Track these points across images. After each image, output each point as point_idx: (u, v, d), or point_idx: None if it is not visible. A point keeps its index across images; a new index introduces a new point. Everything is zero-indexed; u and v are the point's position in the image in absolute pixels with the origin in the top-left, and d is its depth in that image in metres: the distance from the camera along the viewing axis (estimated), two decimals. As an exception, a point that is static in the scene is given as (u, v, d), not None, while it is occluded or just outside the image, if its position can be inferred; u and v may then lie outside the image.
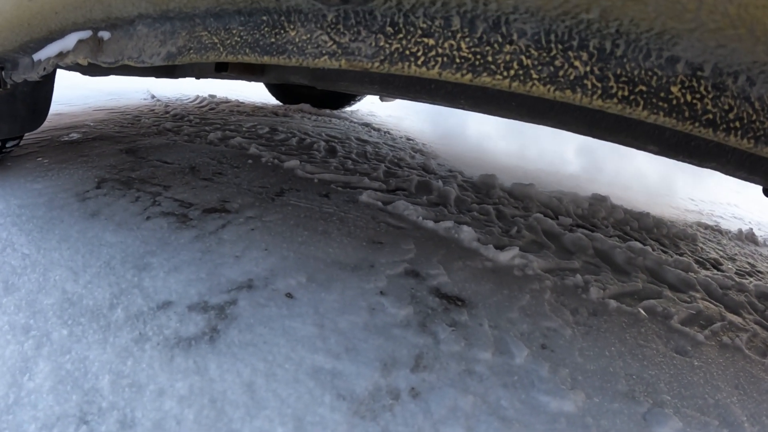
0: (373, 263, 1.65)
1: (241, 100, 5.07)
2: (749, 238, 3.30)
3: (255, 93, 5.72)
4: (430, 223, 2.04)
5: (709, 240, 2.99)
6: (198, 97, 4.85)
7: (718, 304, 1.93)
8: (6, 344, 1.16)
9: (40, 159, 2.38)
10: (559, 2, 0.59)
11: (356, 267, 1.61)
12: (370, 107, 5.73)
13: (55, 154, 2.48)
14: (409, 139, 4.15)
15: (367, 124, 4.57)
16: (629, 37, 0.61)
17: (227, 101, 4.86)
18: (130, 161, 2.43)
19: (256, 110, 4.51)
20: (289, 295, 1.41)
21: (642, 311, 1.68)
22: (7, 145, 2.26)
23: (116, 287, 1.39)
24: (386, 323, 1.36)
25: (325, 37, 0.76)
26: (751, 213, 4.38)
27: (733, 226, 3.56)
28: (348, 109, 5.44)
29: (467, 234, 1.95)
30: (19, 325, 1.22)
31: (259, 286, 1.44)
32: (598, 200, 2.93)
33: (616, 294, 1.78)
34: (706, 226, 3.37)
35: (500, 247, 1.91)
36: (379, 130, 4.39)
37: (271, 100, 5.46)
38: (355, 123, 4.55)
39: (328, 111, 5.06)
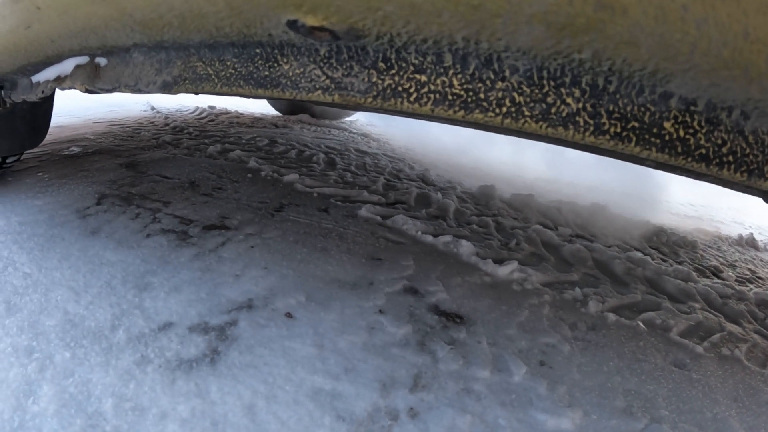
0: (372, 281, 1.65)
1: (240, 112, 5.08)
2: (749, 243, 3.30)
3: (254, 104, 5.73)
4: (429, 238, 2.05)
5: (709, 246, 3.00)
6: (198, 108, 4.86)
7: (717, 314, 1.93)
8: (10, 367, 1.16)
9: (40, 174, 2.39)
10: (550, 43, 0.60)
11: (355, 285, 1.62)
12: (369, 117, 5.73)
13: (56, 169, 2.48)
14: (408, 149, 4.15)
15: (366, 135, 4.57)
16: (622, 74, 0.62)
17: (227, 112, 4.88)
18: (130, 176, 2.44)
19: (256, 121, 4.52)
20: (289, 315, 1.42)
21: (641, 324, 1.68)
22: (7, 161, 2.28)
23: (117, 308, 1.40)
24: (385, 342, 1.37)
25: (318, 72, 0.77)
26: (751, 217, 4.38)
27: (733, 231, 3.56)
28: (347, 119, 5.45)
29: (466, 248, 1.96)
30: (22, 347, 1.23)
31: (258, 306, 1.45)
32: (598, 209, 2.93)
33: (615, 307, 1.78)
34: (706, 233, 3.37)
35: (499, 261, 1.92)
36: (378, 140, 4.40)
37: (270, 110, 5.47)
38: (354, 133, 4.56)
39: (327, 122, 5.07)
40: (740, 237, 3.35)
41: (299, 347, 1.30)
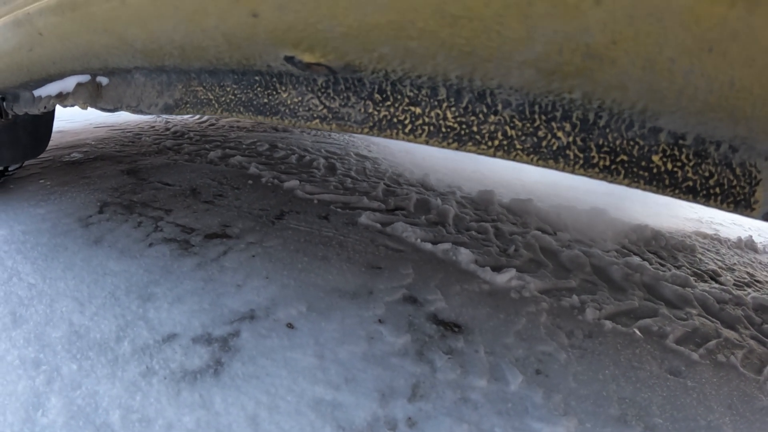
0: (371, 290, 1.68)
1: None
2: (749, 245, 3.30)
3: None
4: (428, 246, 2.07)
5: (708, 250, 3.01)
6: (198, 111, 4.87)
7: (714, 320, 1.94)
8: (18, 379, 1.19)
9: (42, 181, 2.41)
10: (541, 84, 0.62)
11: (355, 294, 1.64)
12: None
13: (58, 176, 2.50)
14: (408, 153, 4.16)
15: (366, 138, 4.58)
16: (612, 111, 0.64)
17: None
18: (131, 183, 2.46)
19: (256, 125, 4.54)
20: (290, 326, 1.44)
21: (637, 331, 1.70)
22: (9, 169, 2.30)
23: (122, 319, 1.42)
24: (384, 352, 1.39)
25: (316, 101, 0.79)
26: (751, 219, 4.36)
27: (732, 234, 3.56)
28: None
29: (465, 256, 1.98)
30: (30, 359, 1.25)
31: (260, 317, 1.47)
32: (597, 213, 2.95)
33: (612, 314, 1.80)
34: (705, 235, 3.38)
35: (498, 268, 1.94)
36: (378, 143, 4.41)
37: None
38: (354, 137, 4.57)
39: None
40: (739, 239, 3.36)
41: (300, 358, 1.33)
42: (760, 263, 3.01)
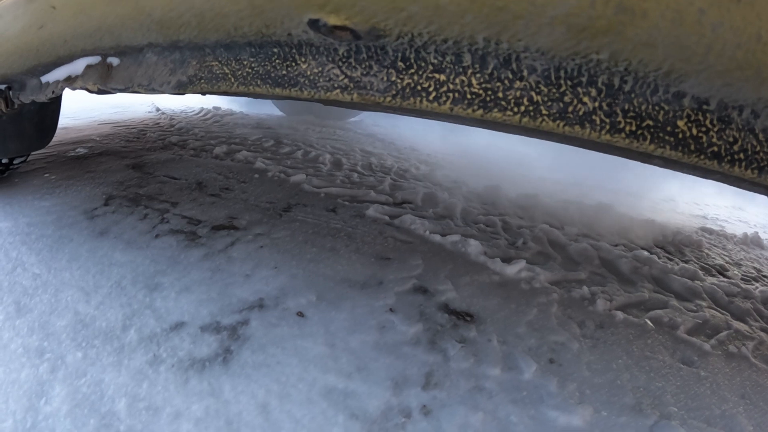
0: (381, 280, 1.66)
1: (245, 113, 5.09)
2: (755, 241, 3.30)
3: (258, 105, 5.75)
4: (437, 237, 2.06)
5: (715, 245, 2.99)
6: (203, 109, 4.88)
7: (724, 312, 1.93)
8: (21, 367, 1.17)
9: (47, 175, 2.40)
10: (570, 44, 0.61)
11: (365, 284, 1.63)
12: (374, 118, 5.74)
13: (62, 170, 2.50)
14: (413, 149, 4.16)
15: (371, 135, 4.58)
16: (637, 74, 0.63)
17: (231, 113, 4.89)
18: (136, 177, 2.45)
19: (261, 122, 4.53)
20: (300, 314, 1.43)
21: (648, 322, 1.69)
22: (14, 162, 2.28)
23: (128, 308, 1.41)
24: (396, 341, 1.37)
25: (337, 71, 0.78)
26: (756, 216, 4.37)
27: (738, 230, 3.55)
28: (352, 120, 5.46)
29: (474, 247, 1.97)
30: (33, 347, 1.24)
31: (270, 306, 1.45)
32: (604, 208, 2.94)
33: (622, 305, 1.78)
34: (712, 231, 3.37)
35: (507, 260, 1.92)
36: (383, 140, 4.40)
37: (275, 111, 5.48)
38: (359, 134, 4.57)
39: (332, 122, 5.08)
40: (745, 236, 3.35)
41: (311, 346, 1.31)
42: (767, 259, 2.99)
